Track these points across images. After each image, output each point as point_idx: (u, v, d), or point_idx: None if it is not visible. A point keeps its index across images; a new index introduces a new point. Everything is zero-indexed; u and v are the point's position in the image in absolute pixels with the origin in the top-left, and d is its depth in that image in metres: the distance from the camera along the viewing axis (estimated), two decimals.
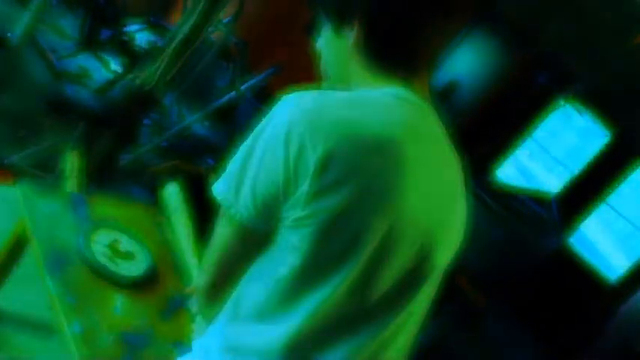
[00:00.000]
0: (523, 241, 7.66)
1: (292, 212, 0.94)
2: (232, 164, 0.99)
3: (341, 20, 1.04)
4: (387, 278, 1.00)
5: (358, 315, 1.01)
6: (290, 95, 0.96)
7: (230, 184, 0.98)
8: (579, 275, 7.43)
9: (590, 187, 8.96)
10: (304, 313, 0.98)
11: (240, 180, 0.96)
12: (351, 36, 1.03)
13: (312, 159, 0.91)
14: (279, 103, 0.96)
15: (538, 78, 7.98)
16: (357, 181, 0.92)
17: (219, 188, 0.99)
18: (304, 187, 0.91)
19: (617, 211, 11.59)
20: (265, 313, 1.00)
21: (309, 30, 1.13)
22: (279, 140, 0.92)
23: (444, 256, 1.09)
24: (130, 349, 1.61)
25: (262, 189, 0.94)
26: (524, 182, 11.71)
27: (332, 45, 1.07)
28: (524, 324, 5.60)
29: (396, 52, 1.03)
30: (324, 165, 0.91)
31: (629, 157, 8.46)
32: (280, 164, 0.92)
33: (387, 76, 1.03)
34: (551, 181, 12.40)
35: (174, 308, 1.81)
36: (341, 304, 0.98)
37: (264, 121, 0.96)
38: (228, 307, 1.05)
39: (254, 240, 0.99)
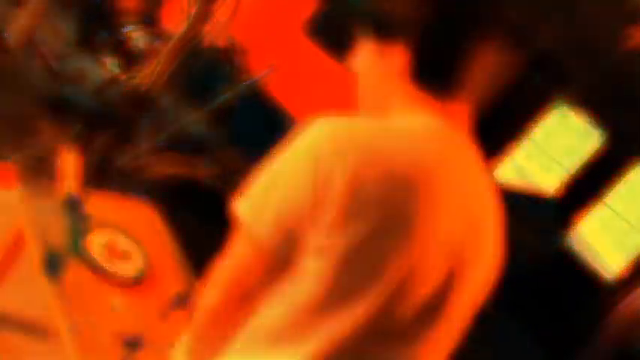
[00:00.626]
0: (520, 241, 7.66)
1: (316, 238, 0.91)
2: (258, 184, 0.96)
3: (384, 38, 0.99)
4: (409, 310, 0.98)
5: (377, 345, 0.99)
6: (320, 119, 0.93)
7: (254, 205, 0.95)
8: (577, 274, 7.43)
9: (587, 187, 8.96)
10: (321, 341, 0.95)
11: (265, 201, 0.94)
12: (394, 55, 0.98)
13: (339, 185, 0.89)
14: (309, 126, 0.93)
15: (534, 78, 7.98)
16: (383, 210, 0.90)
17: (243, 208, 0.96)
18: (329, 213, 0.89)
19: (615, 211, 11.60)
20: (281, 339, 0.97)
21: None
22: (308, 164, 0.90)
23: (473, 289, 1.06)
24: (127, 349, 1.61)
25: (288, 213, 0.92)
26: (521, 182, 11.70)
27: (371, 65, 1.02)
28: (522, 323, 5.60)
29: (442, 75, 0.98)
30: (351, 192, 0.89)
31: (627, 157, 8.46)
32: (307, 188, 0.90)
33: (429, 102, 0.99)
34: (549, 181, 12.39)
35: (171, 308, 1.80)
36: (360, 333, 0.95)
37: (292, 142, 0.94)
38: (242, 330, 1.01)
39: (274, 263, 0.96)
